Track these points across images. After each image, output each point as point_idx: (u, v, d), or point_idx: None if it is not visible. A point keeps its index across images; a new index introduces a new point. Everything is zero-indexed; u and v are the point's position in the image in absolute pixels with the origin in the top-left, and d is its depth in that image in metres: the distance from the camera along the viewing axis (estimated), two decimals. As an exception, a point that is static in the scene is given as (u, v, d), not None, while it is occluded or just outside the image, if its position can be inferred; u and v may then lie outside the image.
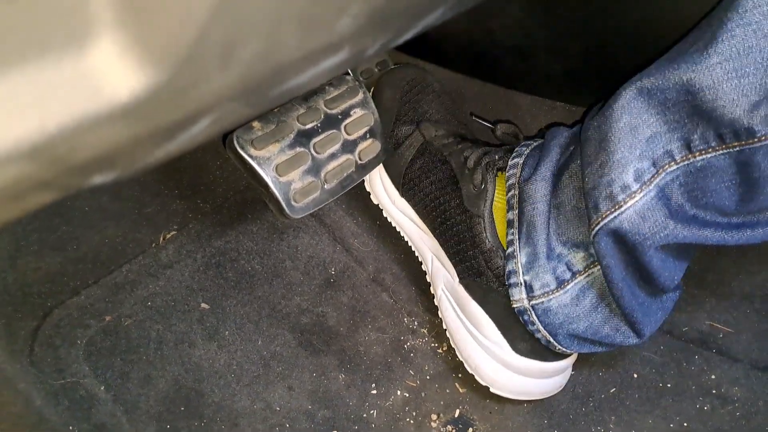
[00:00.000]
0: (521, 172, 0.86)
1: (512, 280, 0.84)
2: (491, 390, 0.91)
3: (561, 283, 0.81)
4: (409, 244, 1.03)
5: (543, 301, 0.82)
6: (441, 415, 0.93)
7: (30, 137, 0.26)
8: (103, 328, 0.89)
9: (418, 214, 0.98)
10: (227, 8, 0.28)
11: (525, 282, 0.83)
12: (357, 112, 0.84)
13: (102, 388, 0.84)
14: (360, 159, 0.85)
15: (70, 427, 0.80)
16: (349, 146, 0.84)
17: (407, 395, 0.94)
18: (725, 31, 0.63)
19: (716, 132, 0.66)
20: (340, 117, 0.83)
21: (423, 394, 0.94)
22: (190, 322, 0.93)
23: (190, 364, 0.90)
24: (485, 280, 0.88)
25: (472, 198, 0.89)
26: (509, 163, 0.88)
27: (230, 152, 0.76)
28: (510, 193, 0.86)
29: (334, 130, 0.82)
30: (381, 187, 1.02)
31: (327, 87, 0.84)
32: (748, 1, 0.62)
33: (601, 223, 0.73)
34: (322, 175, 0.81)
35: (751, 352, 0.93)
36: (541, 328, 0.84)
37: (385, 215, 1.04)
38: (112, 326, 0.90)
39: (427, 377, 0.96)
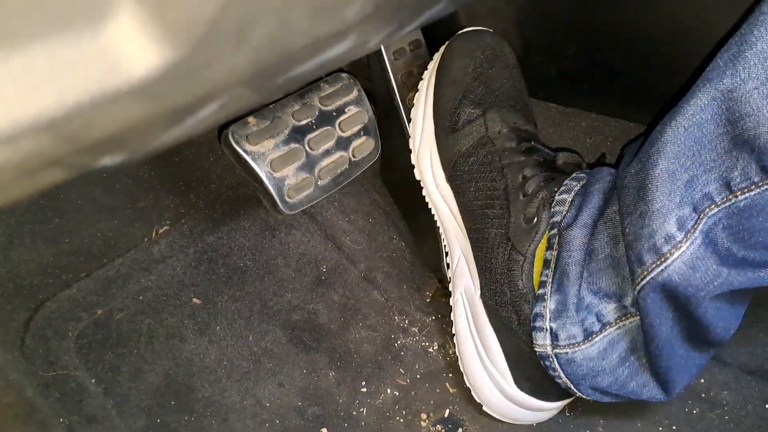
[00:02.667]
0: (566, 212, 0.81)
1: (538, 324, 0.81)
2: (483, 408, 0.90)
3: (588, 336, 0.78)
4: (440, 229, 0.98)
5: (568, 352, 0.79)
6: (431, 414, 0.93)
7: (48, 111, 0.26)
8: (94, 322, 0.89)
9: (459, 209, 0.92)
10: None
11: (551, 329, 0.80)
12: (351, 110, 0.85)
13: (93, 380, 0.84)
14: (354, 156, 0.85)
15: (61, 419, 0.80)
16: (343, 143, 0.84)
17: (397, 394, 0.94)
18: (756, 53, 0.61)
19: (759, 164, 0.63)
20: (334, 114, 0.83)
21: (413, 393, 0.94)
22: (181, 317, 0.93)
23: (181, 359, 0.90)
24: (506, 314, 0.85)
25: (520, 232, 0.84)
26: (556, 198, 0.83)
27: (225, 147, 0.77)
28: (552, 231, 0.82)
29: (329, 127, 0.82)
30: (429, 165, 0.95)
31: (322, 84, 0.84)
32: None
33: (648, 278, 0.69)
34: (316, 171, 0.81)
35: (740, 356, 0.93)
36: (563, 376, 0.81)
37: (423, 193, 0.98)
38: (103, 319, 0.90)
39: (418, 376, 0.96)
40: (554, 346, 0.80)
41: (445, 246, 0.99)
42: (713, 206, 0.66)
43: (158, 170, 1.06)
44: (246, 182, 0.80)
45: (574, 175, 0.85)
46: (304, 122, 0.80)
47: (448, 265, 0.98)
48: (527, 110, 0.95)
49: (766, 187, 0.63)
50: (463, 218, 0.92)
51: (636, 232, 0.70)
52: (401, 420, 0.91)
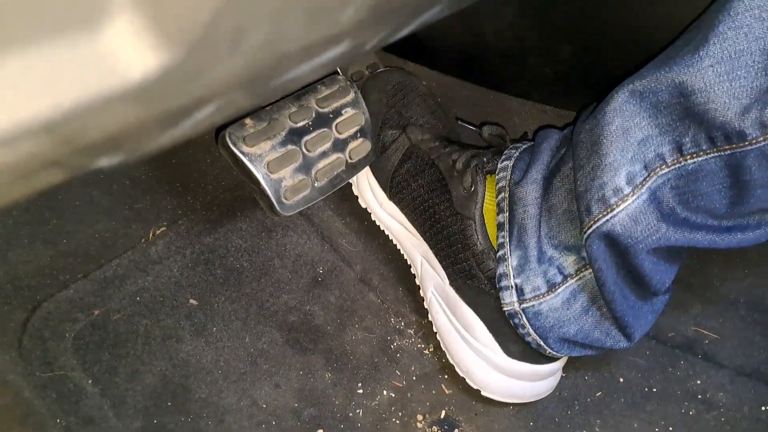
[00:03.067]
0: (511, 174, 0.85)
1: (503, 283, 0.84)
2: (482, 393, 0.91)
3: (552, 287, 0.81)
4: (398, 246, 1.04)
5: (534, 305, 0.82)
6: (427, 415, 0.93)
7: (46, 114, 0.26)
8: (91, 322, 0.89)
9: (407, 217, 0.98)
10: None
11: (516, 285, 0.83)
12: (348, 112, 0.85)
13: (89, 381, 0.84)
14: (350, 158, 0.85)
15: (58, 420, 0.80)
16: (339, 145, 0.84)
17: (393, 395, 0.94)
18: (717, 34, 0.63)
19: (707, 135, 0.67)
20: (331, 116, 0.83)
21: (409, 395, 0.94)
22: (178, 318, 0.93)
23: (178, 360, 0.90)
24: (476, 282, 0.88)
25: (462, 200, 0.89)
26: (499, 165, 0.87)
27: (222, 149, 0.77)
28: (500, 196, 0.85)
29: (325, 129, 0.82)
30: (369, 190, 1.02)
31: (319, 86, 0.84)
32: (740, 4, 0.62)
33: (594, 227, 0.73)
34: (313, 173, 0.81)
35: (736, 358, 0.93)
36: (531, 331, 0.83)
37: (373, 218, 1.04)
38: (100, 320, 0.90)
39: (414, 378, 0.96)
40: (521, 301, 0.83)
41: (407, 260, 1.03)
42: (664, 166, 0.70)
43: (155, 172, 1.06)
44: (243, 184, 0.80)
45: (511, 146, 0.90)
46: (300, 124, 0.81)
47: (414, 275, 1.01)
48: (446, 126, 1.04)
49: (712, 155, 0.67)
50: (412, 223, 0.97)
51: (587, 183, 0.73)
52: (397, 421, 0.91)
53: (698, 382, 0.92)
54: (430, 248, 0.95)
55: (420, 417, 0.92)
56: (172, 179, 1.07)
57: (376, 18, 0.43)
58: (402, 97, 1.03)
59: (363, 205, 1.05)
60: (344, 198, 1.11)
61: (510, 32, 1.00)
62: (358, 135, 0.86)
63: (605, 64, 0.93)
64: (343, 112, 0.85)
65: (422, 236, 0.96)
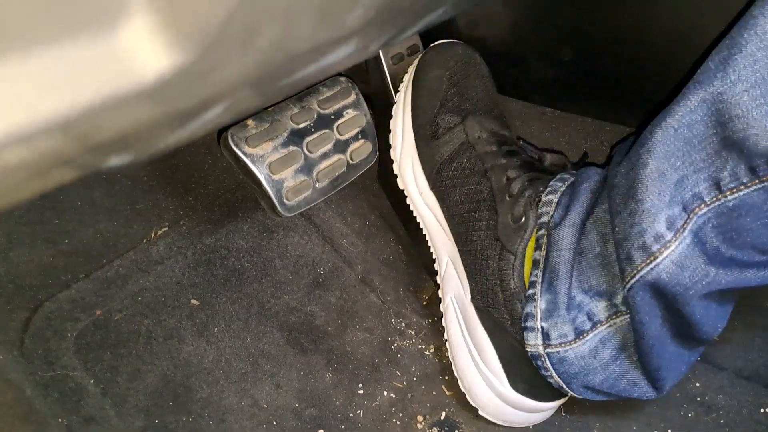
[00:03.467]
0: (554, 212, 0.83)
1: (529, 324, 0.82)
2: (479, 412, 0.91)
3: (579, 334, 0.79)
4: (426, 237, 1.00)
5: (559, 351, 0.80)
6: (427, 416, 0.93)
7: (63, 112, 0.27)
8: (93, 322, 0.89)
9: (444, 215, 0.94)
10: None
11: (542, 329, 0.81)
12: (350, 113, 0.85)
13: (91, 381, 0.85)
14: (351, 159, 0.86)
15: (59, 419, 0.80)
16: (341, 146, 0.84)
17: (394, 396, 0.94)
18: (746, 56, 0.61)
19: (748, 165, 0.64)
20: (332, 117, 0.84)
21: (409, 396, 0.94)
22: (179, 318, 0.93)
23: (179, 360, 0.90)
24: (498, 315, 0.86)
25: (509, 231, 0.85)
26: (543, 198, 0.84)
27: (224, 149, 0.77)
28: (540, 232, 0.83)
29: (327, 130, 0.83)
30: (411, 173, 0.98)
31: (320, 87, 0.84)
32: (767, 21, 0.60)
33: (637, 276, 0.70)
34: (314, 174, 0.82)
35: (735, 361, 0.93)
36: (555, 375, 0.82)
37: (408, 202, 1.00)
38: (102, 320, 0.90)
39: (414, 379, 0.96)
40: (546, 345, 0.80)
41: (432, 253, 1.00)
42: (703, 206, 0.67)
43: (157, 172, 1.07)
44: (244, 184, 0.80)
45: (558, 176, 0.87)
46: (302, 125, 0.81)
47: (436, 271, 0.99)
48: (502, 117, 0.97)
49: (754, 187, 0.64)
50: (449, 224, 0.93)
51: (626, 230, 0.71)
52: (398, 422, 0.92)
53: (697, 384, 0.92)
54: (460, 257, 0.92)
55: (420, 418, 0.93)
56: (173, 180, 1.08)
57: (383, 19, 0.43)
58: (464, 77, 0.97)
59: (401, 186, 1.00)
60: (346, 198, 1.11)
61: (511, 34, 1.00)
62: (360, 136, 0.86)
63: (606, 67, 0.93)
64: (344, 113, 0.85)
65: (455, 241, 0.93)
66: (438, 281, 0.98)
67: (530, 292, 0.82)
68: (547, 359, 0.81)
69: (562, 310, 0.79)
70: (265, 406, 0.89)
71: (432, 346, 1.00)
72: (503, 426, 0.92)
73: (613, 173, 0.76)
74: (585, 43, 0.93)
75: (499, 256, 0.85)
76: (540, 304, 0.81)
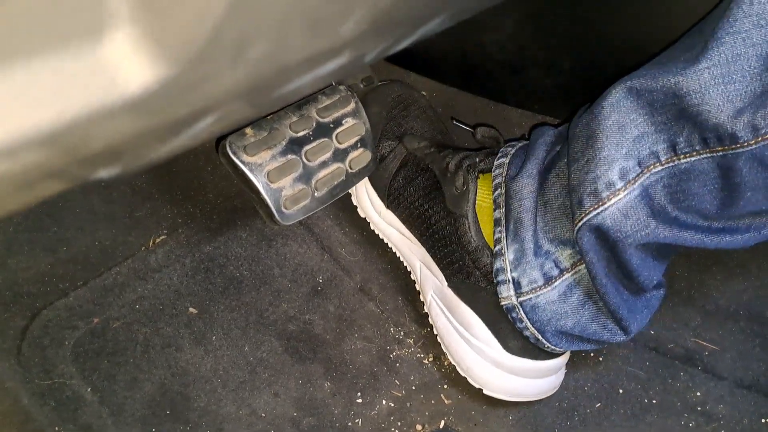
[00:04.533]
0: (507, 170, 0.86)
1: (500, 278, 0.85)
2: (484, 392, 0.91)
3: (548, 280, 0.82)
4: (397, 254, 1.04)
5: (531, 298, 0.83)
6: (426, 425, 0.93)
7: (48, 125, 0.27)
8: (90, 330, 0.89)
9: (404, 224, 0.99)
10: (242, 7, 0.29)
11: (513, 279, 0.83)
12: (348, 122, 0.85)
13: (88, 389, 0.84)
14: (350, 168, 0.86)
15: (56, 428, 0.80)
16: (339, 155, 0.84)
17: (392, 405, 0.94)
18: (715, 38, 0.64)
19: (701, 135, 0.67)
20: (331, 126, 0.84)
21: (408, 405, 0.94)
22: (177, 327, 0.93)
23: (177, 368, 0.90)
24: (473, 280, 0.89)
25: (455, 199, 0.90)
26: (495, 162, 0.88)
27: (223, 158, 0.77)
28: (497, 192, 0.86)
29: (326, 139, 0.83)
30: (367, 200, 1.03)
31: (319, 96, 0.84)
32: (739, 11, 0.62)
33: (585, 219, 0.74)
34: (313, 182, 0.81)
35: (736, 370, 0.93)
36: (529, 325, 0.84)
37: (372, 228, 1.05)
38: (99, 328, 0.90)
39: (413, 387, 0.96)
40: (518, 294, 0.84)
41: (407, 267, 1.03)
42: (657, 164, 0.71)
43: (156, 180, 1.07)
44: (243, 193, 0.80)
45: (507, 144, 0.92)
46: (301, 134, 0.81)
47: (414, 282, 1.02)
48: (443, 135, 1.05)
49: (704, 155, 0.68)
50: (410, 229, 0.98)
51: (581, 177, 0.74)
52: (396, 431, 0.91)
53: (698, 394, 0.92)
54: (428, 251, 0.96)
55: (419, 427, 0.92)
56: (172, 188, 1.08)
57: (377, 30, 0.43)
58: (402, 110, 1.04)
59: (362, 215, 1.06)
60: (344, 208, 1.11)
61: (510, 43, 1.00)
62: (359, 145, 0.86)
63: (605, 77, 0.93)
64: (343, 122, 0.85)
65: (419, 240, 0.97)
66: (417, 288, 1.01)
67: (497, 248, 0.85)
68: (520, 309, 0.84)
69: (530, 256, 0.82)
70: (263, 415, 0.89)
71: (431, 354, 0.99)
72: (503, 427, 0.92)
73: (574, 124, 0.79)
74: (585, 52, 0.93)
75: (455, 223, 0.90)
76: (508, 255, 0.84)
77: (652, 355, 0.97)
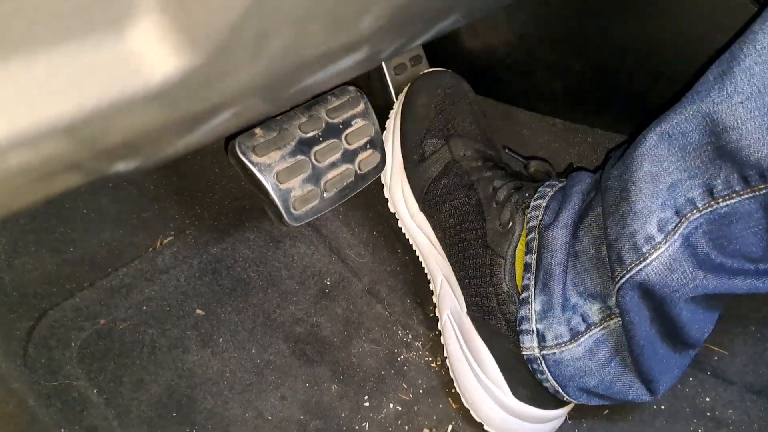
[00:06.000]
0: (543, 215, 0.83)
1: (524, 327, 0.82)
2: (485, 427, 0.90)
3: (575, 335, 0.79)
4: (420, 259, 1.02)
5: (555, 353, 0.80)
6: (433, 429, 0.92)
7: (69, 115, 0.26)
8: (97, 331, 0.89)
9: (435, 233, 0.96)
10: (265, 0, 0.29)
11: (537, 330, 0.81)
12: (358, 123, 0.84)
13: (95, 391, 0.84)
14: (360, 169, 0.85)
15: (62, 429, 0.80)
16: (349, 156, 0.84)
17: (400, 408, 0.93)
18: (744, 69, 0.62)
19: (740, 174, 0.65)
20: (341, 126, 0.83)
21: (415, 408, 0.94)
22: (184, 328, 0.93)
23: (184, 370, 0.89)
24: (494, 322, 0.86)
25: (497, 236, 0.87)
26: (531, 203, 0.85)
27: (232, 158, 0.76)
28: (530, 236, 0.84)
29: (335, 140, 0.82)
30: (401, 196, 1.00)
31: (329, 96, 0.84)
32: (765, 37, 0.61)
33: (626, 276, 0.71)
34: (322, 183, 0.81)
35: (745, 375, 0.93)
36: (550, 378, 0.82)
37: (399, 225, 1.02)
38: (106, 329, 0.90)
39: (420, 391, 0.96)
40: (541, 347, 0.81)
41: (427, 274, 1.01)
42: (695, 211, 0.68)
43: (163, 180, 1.06)
44: (251, 193, 0.80)
45: (546, 182, 0.88)
46: (310, 134, 0.80)
47: (432, 291, 1.00)
48: (489, 141, 1.00)
49: (746, 196, 0.65)
50: (440, 242, 0.95)
51: (617, 231, 0.72)
52: (403, 435, 0.91)
53: (707, 399, 0.92)
54: (453, 271, 0.93)
55: (426, 431, 0.92)
56: (180, 188, 1.07)
57: (394, 26, 0.43)
58: (450, 104, 1.00)
59: (392, 209, 1.03)
60: (353, 209, 1.11)
61: (521, 45, 1.00)
62: (368, 146, 0.86)
63: (615, 79, 0.93)
64: (353, 122, 0.84)
65: (447, 256, 0.94)
66: (435, 300, 0.99)
67: (524, 295, 0.82)
68: (542, 362, 0.81)
69: (557, 311, 0.80)
70: (270, 417, 0.89)
71: (439, 358, 0.99)
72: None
73: (606, 175, 0.77)
74: (594, 54, 0.93)
75: (490, 262, 0.87)
76: (535, 306, 0.81)
77: (661, 359, 0.97)
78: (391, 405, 0.94)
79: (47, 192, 0.34)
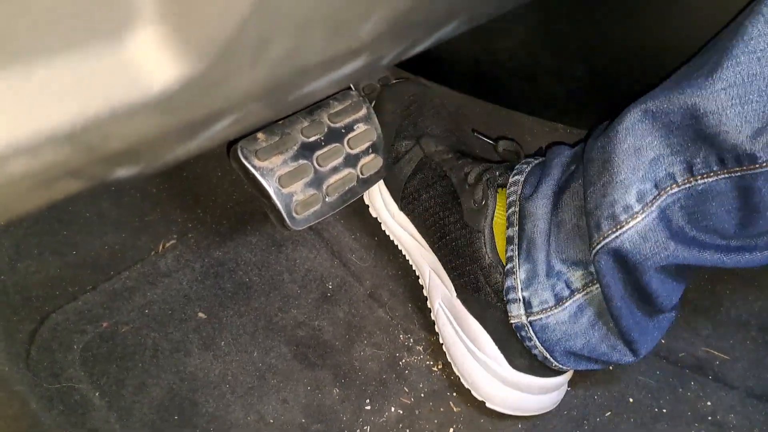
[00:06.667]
0: (522, 189, 0.86)
1: (510, 296, 0.84)
2: (487, 405, 0.91)
3: (559, 301, 0.82)
4: (407, 258, 1.03)
5: (541, 318, 0.83)
6: (435, 433, 0.93)
7: (69, 123, 0.27)
8: (99, 334, 0.89)
9: (417, 229, 0.98)
10: (266, 6, 0.29)
11: (523, 298, 0.83)
12: (360, 127, 0.85)
13: (97, 394, 0.84)
14: (362, 173, 0.85)
15: (64, 432, 0.80)
16: (351, 160, 0.84)
17: (401, 412, 0.93)
18: (730, 57, 0.63)
19: (718, 156, 0.67)
20: (343, 131, 0.83)
21: (417, 412, 0.94)
22: (186, 331, 0.93)
23: (185, 373, 0.89)
24: (483, 296, 0.88)
25: (473, 213, 0.89)
26: (510, 179, 0.88)
27: (234, 162, 0.77)
28: (510, 210, 0.86)
29: (337, 144, 0.82)
30: (380, 200, 1.02)
31: (331, 101, 0.84)
32: (754, 29, 0.62)
33: (603, 243, 0.73)
34: (324, 188, 0.81)
35: (747, 380, 0.93)
36: (538, 344, 0.84)
37: (383, 228, 1.04)
38: (108, 332, 0.90)
39: (422, 395, 0.96)
40: (528, 314, 0.84)
41: (416, 271, 1.03)
42: (675, 186, 0.71)
43: (166, 184, 1.07)
44: (253, 197, 0.80)
45: (523, 161, 0.91)
46: (312, 139, 0.80)
47: (422, 286, 1.01)
48: (460, 139, 1.04)
49: (722, 176, 0.68)
50: (423, 235, 0.98)
51: (597, 200, 0.74)
52: (405, 439, 0.91)
53: (708, 403, 0.92)
54: (439, 260, 0.95)
55: (427, 434, 0.92)
56: (182, 192, 1.08)
57: (395, 32, 0.43)
58: (417, 108, 1.03)
59: (374, 215, 1.05)
60: (355, 213, 1.11)
61: (523, 50, 1.00)
62: (370, 150, 0.86)
63: (617, 84, 0.93)
64: (355, 127, 0.84)
65: (431, 247, 0.97)
66: (425, 294, 1.01)
67: (509, 266, 0.85)
68: (530, 328, 0.84)
69: (541, 277, 0.82)
70: (272, 421, 0.89)
71: (440, 362, 0.99)
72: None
73: (589, 147, 0.78)
74: (597, 59, 0.93)
75: (470, 239, 0.89)
76: (519, 275, 0.84)
77: (663, 364, 0.97)
78: (393, 409, 0.94)
79: (48, 197, 0.34)
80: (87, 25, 0.25)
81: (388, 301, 1.05)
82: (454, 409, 0.95)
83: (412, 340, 1.01)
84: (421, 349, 1.01)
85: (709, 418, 0.90)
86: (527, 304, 0.83)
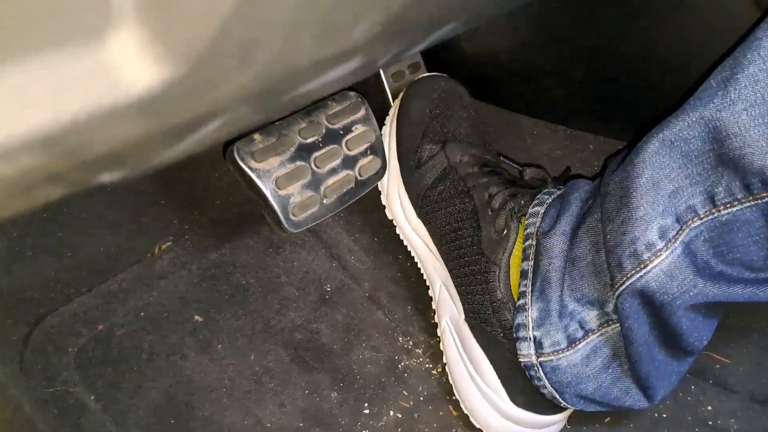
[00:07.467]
0: (541, 222, 0.83)
1: (521, 334, 0.82)
2: None
3: (572, 342, 0.79)
4: (419, 265, 1.02)
5: (552, 359, 0.80)
6: (433, 437, 0.92)
7: (44, 127, 0.26)
8: (95, 337, 0.89)
9: (432, 239, 0.96)
10: (250, 7, 0.28)
11: (534, 338, 0.81)
12: (358, 128, 0.84)
13: (92, 397, 0.84)
14: (360, 175, 0.85)
15: (59, 436, 0.80)
16: (349, 162, 0.83)
17: (400, 416, 0.93)
18: (748, 76, 0.61)
19: (742, 182, 0.64)
20: (341, 132, 0.83)
21: (416, 416, 0.93)
22: (182, 334, 0.93)
23: (182, 377, 0.89)
24: (491, 329, 0.86)
25: (492, 243, 0.87)
26: (529, 210, 0.85)
27: (230, 164, 0.76)
28: (527, 243, 0.83)
29: (335, 145, 0.82)
30: (398, 203, 1.00)
31: (329, 102, 0.83)
32: None
33: (627, 283, 0.70)
34: (322, 189, 0.81)
35: (748, 385, 0.92)
36: (548, 384, 0.81)
37: (397, 232, 1.02)
38: (104, 335, 0.89)
39: (421, 398, 0.95)
40: (539, 354, 0.81)
41: (426, 280, 1.01)
42: (696, 219, 0.68)
43: (162, 186, 1.06)
44: (250, 199, 0.79)
45: (545, 190, 0.88)
46: (310, 140, 0.80)
47: (431, 297, 1.00)
48: (485, 144, 1.00)
49: (747, 204, 0.65)
50: (438, 248, 0.95)
51: (617, 238, 0.71)
52: (403, 443, 0.91)
53: (709, 408, 0.91)
54: (451, 278, 0.93)
55: (427, 439, 0.92)
56: (179, 194, 1.07)
57: (389, 34, 0.42)
58: (446, 108, 0.99)
59: (390, 217, 1.03)
60: (353, 215, 1.10)
61: (523, 52, 1.00)
62: (369, 152, 0.85)
63: (617, 87, 0.93)
64: (353, 128, 0.84)
65: (444, 263, 0.94)
66: (433, 306, 0.99)
67: (520, 302, 0.82)
68: (540, 368, 0.81)
69: (554, 318, 0.80)
70: (269, 425, 0.88)
71: (439, 365, 0.98)
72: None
73: (606, 181, 0.76)
74: (597, 61, 0.93)
75: (485, 269, 0.87)
76: (531, 313, 0.81)
77: (664, 368, 0.97)
78: (392, 412, 0.93)
79: (28, 204, 0.33)
80: (64, 26, 0.24)
81: (387, 303, 1.05)
82: (454, 413, 0.94)
83: (411, 343, 1.01)
84: (420, 352, 1.00)
85: (710, 422, 0.90)
86: (538, 344, 0.81)
